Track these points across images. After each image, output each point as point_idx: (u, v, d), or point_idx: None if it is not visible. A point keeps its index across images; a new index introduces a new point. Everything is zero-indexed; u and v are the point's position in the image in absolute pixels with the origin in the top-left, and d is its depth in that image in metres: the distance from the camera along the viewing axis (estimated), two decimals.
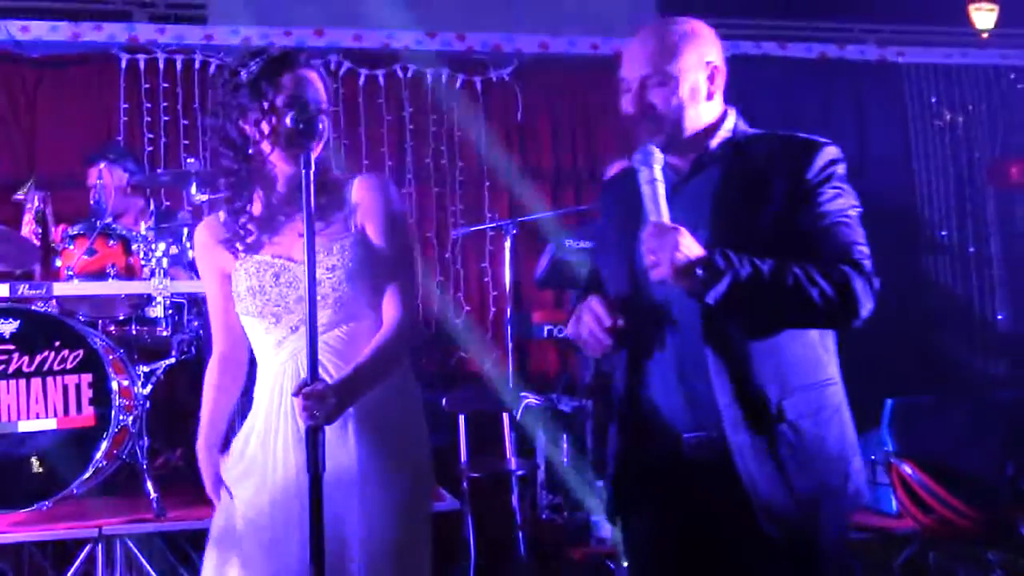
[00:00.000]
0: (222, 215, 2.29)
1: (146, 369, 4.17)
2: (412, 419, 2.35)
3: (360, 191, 2.28)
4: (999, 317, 6.29)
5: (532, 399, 4.62)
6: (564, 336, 4.40)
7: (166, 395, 4.69)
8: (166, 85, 5.60)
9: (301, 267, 2.17)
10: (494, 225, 5.21)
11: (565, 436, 4.69)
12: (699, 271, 1.88)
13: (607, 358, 2.13)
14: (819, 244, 1.96)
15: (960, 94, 6.40)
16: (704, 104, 2.05)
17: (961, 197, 6.38)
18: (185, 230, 4.28)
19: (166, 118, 5.58)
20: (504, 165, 5.92)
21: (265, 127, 2.17)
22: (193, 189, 4.20)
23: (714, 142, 2.07)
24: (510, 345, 4.65)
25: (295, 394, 2.03)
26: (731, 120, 2.10)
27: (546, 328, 4.36)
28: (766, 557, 1.98)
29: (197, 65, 5.63)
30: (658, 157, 1.97)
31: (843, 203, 1.99)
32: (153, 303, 4.21)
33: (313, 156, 2.10)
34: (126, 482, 4.09)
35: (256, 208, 2.26)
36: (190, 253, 4.29)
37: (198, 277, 4.27)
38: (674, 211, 1.96)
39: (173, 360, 4.27)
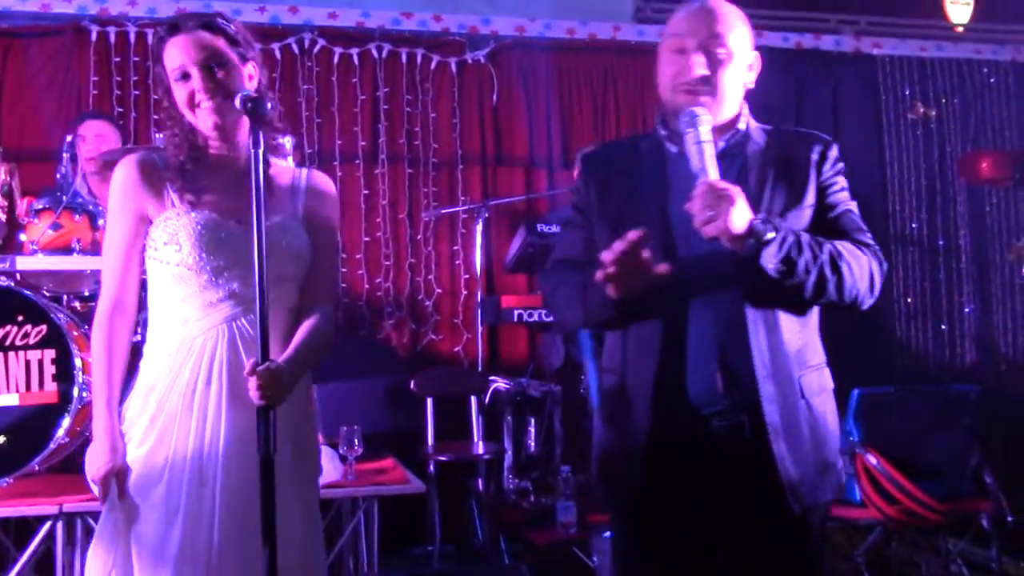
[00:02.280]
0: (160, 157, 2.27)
1: None
2: (309, 406, 2.36)
3: (316, 183, 2.36)
4: (967, 310, 6.33)
5: (501, 383, 4.62)
6: (536, 320, 4.43)
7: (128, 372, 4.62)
8: (137, 59, 5.52)
9: (251, 233, 2.17)
10: (467, 208, 5.19)
11: (533, 421, 4.70)
12: (760, 226, 1.91)
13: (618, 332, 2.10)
14: (833, 232, 2.06)
15: (934, 87, 6.42)
16: (740, 91, 2.12)
17: (932, 190, 6.40)
18: None
19: (136, 92, 5.50)
20: (478, 148, 5.89)
21: (186, 107, 2.20)
22: None
23: (741, 125, 2.13)
24: (480, 329, 4.64)
25: (249, 373, 2.01)
26: (746, 111, 2.17)
27: (516, 312, 4.34)
28: (782, 533, 2.06)
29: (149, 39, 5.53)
30: (705, 119, 1.99)
31: (847, 195, 2.13)
32: None
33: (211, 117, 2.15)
34: None
35: (201, 166, 2.25)
36: None
37: None
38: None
39: (139, 337, 4.21)
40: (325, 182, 2.40)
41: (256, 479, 2.01)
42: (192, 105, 2.18)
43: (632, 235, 1.88)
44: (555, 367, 4.72)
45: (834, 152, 2.14)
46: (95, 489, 2.18)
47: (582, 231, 2.23)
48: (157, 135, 4.39)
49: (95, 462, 2.17)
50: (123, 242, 2.24)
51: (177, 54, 2.17)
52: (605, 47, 6.12)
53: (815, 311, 2.13)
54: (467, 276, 5.72)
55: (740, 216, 1.89)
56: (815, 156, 2.12)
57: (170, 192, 2.22)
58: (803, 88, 6.33)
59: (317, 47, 5.71)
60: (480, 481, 4.29)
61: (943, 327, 6.35)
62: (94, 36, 5.47)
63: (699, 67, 2.05)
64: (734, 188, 1.91)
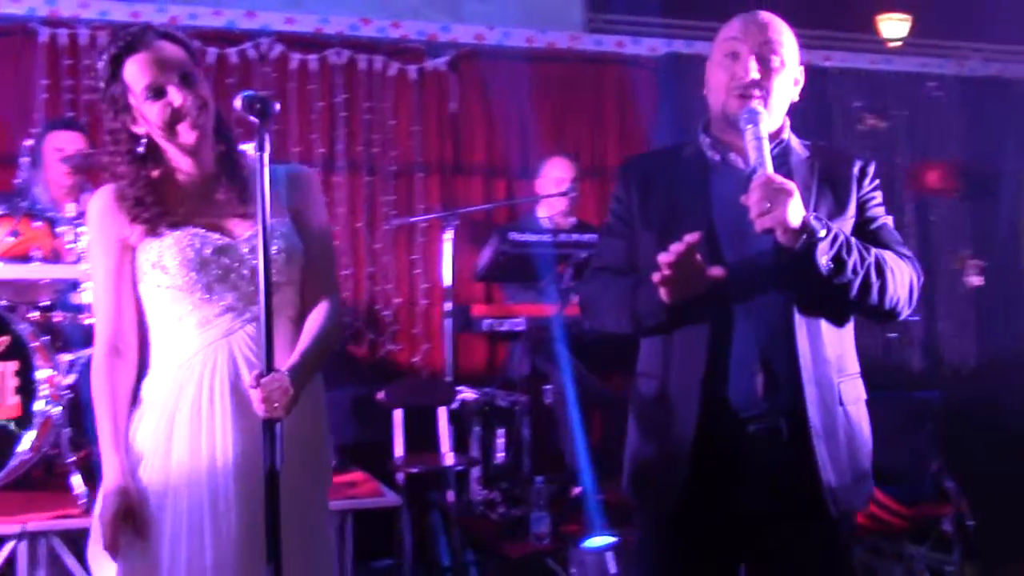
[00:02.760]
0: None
1: (69, 357, 3.98)
2: (321, 415, 2.28)
3: (295, 179, 2.26)
4: (914, 319, 6.45)
5: (467, 393, 4.58)
6: (506, 330, 4.41)
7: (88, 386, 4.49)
8: (88, 62, 5.36)
9: (242, 244, 2.14)
10: (436, 216, 5.14)
11: (501, 431, 4.67)
12: (814, 221, 1.95)
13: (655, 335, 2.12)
14: (873, 243, 2.10)
15: (882, 100, 6.55)
16: (786, 102, 2.17)
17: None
18: None
19: (87, 96, 5.35)
20: (437, 156, 5.85)
21: (141, 123, 2.08)
22: None
23: (785, 135, 2.18)
24: (448, 339, 4.59)
25: (253, 385, 1.95)
26: (788, 124, 2.21)
27: (486, 322, 4.30)
28: (819, 537, 2.10)
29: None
30: (764, 117, 2.03)
31: (883, 209, 2.20)
32: (78, 289, 4.03)
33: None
34: (49, 477, 3.92)
35: (168, 187, 2.15)
36: None
37: None
38: (738, 204, 2.00)
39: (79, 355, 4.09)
40: (305, 175, 2.31)
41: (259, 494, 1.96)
42: (173, 121, 2.07)
43: (689, 237, 1.91)
44: (521, 376, 4.69)
45: (872, 168, 2.21)
46: (97, 531, 2.08)
47: (623, 239, 2.25)
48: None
49: (105, 506, 2.06)
50: (110, 274, 2.14)
51: (144, 71, 2.05)
52: (563, 56, 6.13)
53: (851, 323, 2.17)
54: (427, 285, 5.68)
55: (796, 210, 1.92)
56: (856, 171, 2.18)
57: (145, 223, 2.12)
58: None
59: (274, 52, 5.62)
60: (451, 493, 4.23)
61: (891, 335, 6.46)
62: (44, 38, 5.31)
63: (753, 71, 2.09)
64: (791, 183, 1.95)
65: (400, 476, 4.18)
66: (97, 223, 2.15)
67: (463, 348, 5.24)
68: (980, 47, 7.23)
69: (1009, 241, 6.53)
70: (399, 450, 4.26)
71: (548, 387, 4.59)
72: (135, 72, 2.05)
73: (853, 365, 2.17)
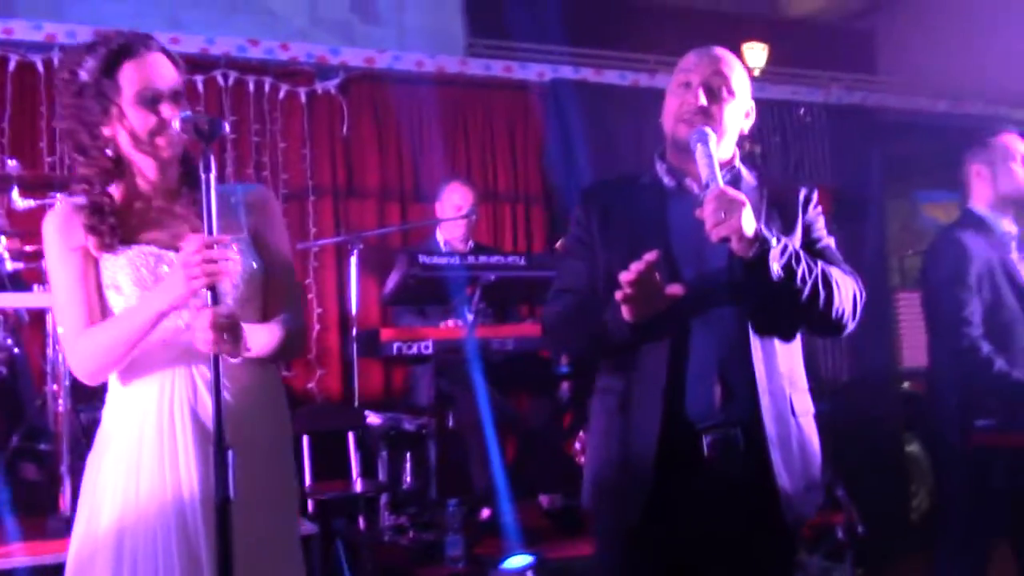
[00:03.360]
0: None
1: None
2: (287, 439, 2.29)
3: (254, 197, 2.25)
4: None
5: (373, 417, 4.53)
6: (415, 353, 4.38)
7: None
8: None
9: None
10: (339, 240, 5.08)
11: (408, 455, 4.63)
12: (766, 231, 2.04)
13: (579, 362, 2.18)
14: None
15: (758, 125, 6.79)
16: (736, 132, 2.28)
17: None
18: (3, 238, 3.92)
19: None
20: (329, 180, 5.79)
21: (118, 128, 2.05)
22: (15, 194, 3.84)
23: (736, 163, 2.29)
24: (355, 362, 4.54)
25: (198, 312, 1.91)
26: (738, 154, 2.33)
27: (396, 345, 4.27)
28: (772, 543, 2.19)
29: None
30: (713, 137, 2.12)
31: (826, 232, 2.32)
32: None
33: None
34: None
35: (127, 199, 2.11)
36: (8, 264, 3.95)
37: (13, 290, 3.98)
38: (696, 221, 2.07)
39: None
40: (264, 194, 2.31)
41: (240, 520, 1.90)
42: (156, 133, 2.05)
43: (648, 256, 1.98)
44: (427, 401, 4.67)
45: (815, 196, 2.36)
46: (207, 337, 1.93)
47: (584, 262, 2.32)
48: (9, 161, 4.11)
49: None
50: (75, 278, 2.07)
51: (142, 76, 2.03)
52: (453, 80, 6.16)
53: (799, 340, 2.27)
54: (320, 310, 5.60)
55: (749, 220, 2.02)
56: (801, 197, 2.31)
57: (99, 235, 2.07)
58: (640, 124, 6.55)
59: None
60: (361, 519, 4.17)
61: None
62: None
63: (702, 98, 2.21)
64: (742, 195, 2.04)
65: (310, 503, 4.09)
66: (56, 234, 2.09)
67: (374, 372, 5.20)
68: (839, 76, 7.65)
69: (876, 262, 6.86)
70: (307, 477, 4.18)
71: (449, 411, 4.60)
72: (132, 75, 2.03)
73: (802, 380, 2.27)
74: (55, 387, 3.86)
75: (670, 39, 7.26)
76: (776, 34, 9.95)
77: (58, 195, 3.77)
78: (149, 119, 2.04)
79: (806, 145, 6.98)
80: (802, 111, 6.99)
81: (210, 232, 1.93)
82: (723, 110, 2.22)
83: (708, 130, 2.15)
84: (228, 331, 1.91)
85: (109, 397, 2.13)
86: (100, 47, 2.05)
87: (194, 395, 2.07)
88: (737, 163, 2.31)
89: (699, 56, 2.27)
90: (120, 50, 2.04)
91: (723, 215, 1.99)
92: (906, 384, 6.70)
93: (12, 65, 5.20)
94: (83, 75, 2.04)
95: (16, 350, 4.08)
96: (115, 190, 2.11)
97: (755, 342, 2.14)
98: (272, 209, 2.28)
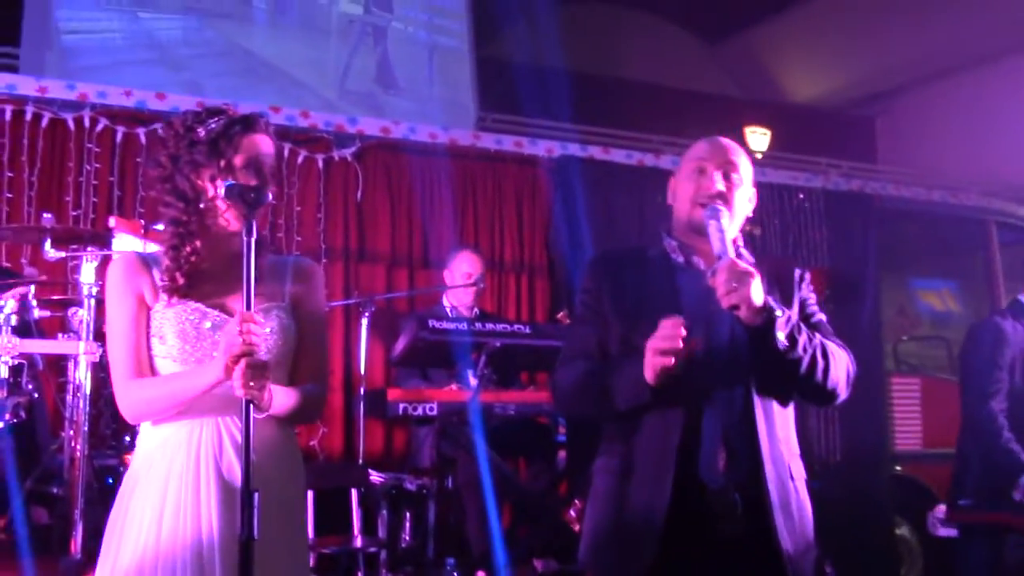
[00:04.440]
0: (161, 257, 2.26)
1: None
2: (301, 498, 2.42)
3: (301, 269, 2.41)
4: None
5: (375, 476, 4.65)
6: (420, 414, 4.51)
7: None
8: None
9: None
10: (352, 302, 5.25)
11: (407, 514, 4.73)
12: (773, 302, 2.18)
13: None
14: None
15: (759, 208, 6.98)
16: (742, 216, 2.45)
17: None
18: (33, 287, 4.08)
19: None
20: (342, 243, 5.97)
21: (220, 185, 2.21)
22: (48, 245, 4.01)
23: (739, 242, 2.43)
24: (361, 422, 4.67)
25: (234, 361, 2.04)
26: (740, 238, 2.47)
27: (401, 406, 4.40)
28: None
29: (28, 116, 5.39)
30: (725, 213, 2.30)
31: (818, 308, 2.48)
32: None
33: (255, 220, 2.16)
34: None
35: (197, 258, 2.25)
36: (36, 312, 4.10)
37: (38, 337, 4.13)
38: (705, 294, 2.23)
39: (1, 424, 4.02)
40: (311, 267, 2.45)
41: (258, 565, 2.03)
42: (256, 201, 2.19)
43: (678, 320, 2.14)
44: (428, 462, 4.79)
45: (808, 275, 2.55)
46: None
47: (593, 327, 2.44)
48: (44, 215, 4.28)
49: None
50: (129, 322, 2.24)
51: (259, 147, 2.27)
52: (464, 153, 6.38)
53: (793, 408, 2.41)
54: None
55: (758, 290, 2.17)
56: (797, 275, 2.50)
57: (157, 287, 2.25)
58: (643, 202, 6.76)
59: None
60: (361, 575, 4.27)
61: None
62: None
63: (719, 183, 2.40)
64: (752, 267, 2.20)
65: (311, 557, 4.18)
66: (117, 281, 2.26)
67: (381, 432, 5.31)
68: (837, 163, 7.89)
69: (871, 345, 7.00)
70: (310, 531, 4.27)
71: (447, 473, 4.71)
72: (252, 145, 2.25)
73: (796, 447, 2.40)
74: (71, 432, 3.98)
75: (675, 121, 7.54)
76: (778, 119, 10.28)
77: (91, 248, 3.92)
78: (251, 182, 2.23)
79: (804, 228, 7.17)
80: (801, 196, 7.19)
81: (248, 297, 2.08)
82: (734, 195, 2.40)
83: (720, 206, 2.33)
84: (257, 378, 2.06)
85: (140, 438, 2.28)
86: (224, 114, 2.26)
87: (219, 446, 2.20)
88: (740, 242, 2.46)
89: (712, 145, 2.46)
90: (246, 121, 2.27)
91: (735, 284, 2.14)
92: (898, 468, 6.81)
93: (45, 122, 5.40)
94: (201, 132, 2.23)
95: (36, 395, 4.21)
96: (200, 240, 2.25)
97: (758, 410, 2.28)
98: (316, 283, 2.42)
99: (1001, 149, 8.90)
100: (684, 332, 2.14)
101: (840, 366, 2.33)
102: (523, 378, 5.43)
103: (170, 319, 2.22)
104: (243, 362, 2.05)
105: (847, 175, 7.80)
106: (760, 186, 7.17)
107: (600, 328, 2.43)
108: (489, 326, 4.49)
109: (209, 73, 6.24)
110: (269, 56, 6.46)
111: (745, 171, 2.45)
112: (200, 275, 2.26)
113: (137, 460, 2.27)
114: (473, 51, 7.41)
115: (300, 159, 5.94)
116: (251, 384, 2.04)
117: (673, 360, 2.13)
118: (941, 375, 7.56)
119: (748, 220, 2.56)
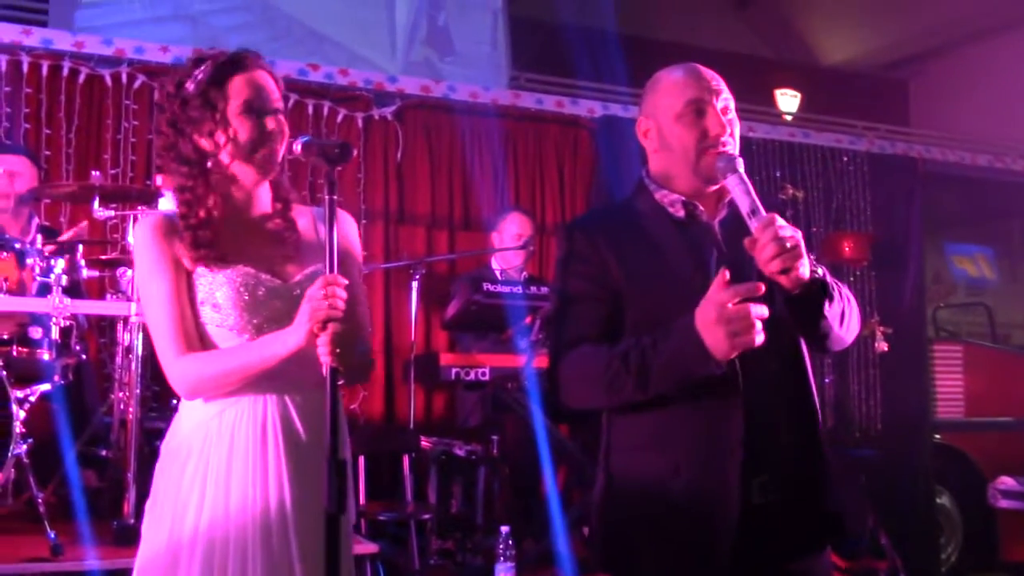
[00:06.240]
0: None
1: (20, 394, 3.82)
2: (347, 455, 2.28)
3: (337, 226, 2.15)
4: (827, 380, 6.75)
5: (425, 442, 4.58)
6: (473, 379, 4.43)
7: (40, 424, 4.30)
8: (29, 90, 5.21)
9: (295, 287, 2.12)
10: (403, 264, 5.15)
11: (457, 480, 4.67)
12: (818, 266, 1.90)
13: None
14: None
15: (801, 172, 6.89)
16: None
17: None
18: (81, 247, 3.98)
19: (27, 125, 5.18)
20: (382, 204, 5.87)
21: (221, 138, 2.07)
22: (96, 204, 3.92)
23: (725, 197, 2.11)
24: (412, 386, 4.59)
25: (320, 327, 1.90)
26: None
27: (454, 371, 4.32)
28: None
29: (65, 72, 5.28)
30: (741, 162, 1.98)
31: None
32: (38, 324, 3.87)
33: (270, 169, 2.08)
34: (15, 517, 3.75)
35: (223, 214, 2.12)
36: (84, 272, 4.02)
37: (85, 298, 4.04)
38: (732, 252, 2.00)
39: (50, 387, 3.94)
40: (345, 223, 2.26)
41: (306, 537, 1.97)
42: (258, 144, 2.08)
43: (749, 285, 1.80)
44: (477, 426, 4.72)
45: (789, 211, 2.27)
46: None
47: (600, 303, 2.06)
48: (94, 172, 4.18)
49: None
50: (170, 291, 2.08)
51: (251, 87, 2.07)
52: (505, 112, 6.25)
53: None
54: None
55: (806, 265, 1.87)
56: (789, 214, 2.25)
57: (197, 248, 2.10)
58: None
59: None
60: (414, 541, 4.20)
61: None
62: None
63: (726, 125, 2.07)
64: (798, 235, 1.88)
65: (363, 524, 4.13)
66: (149, 245, 2.10)
67: (394, 396, 5.22)
68: (874, 125, 7.75)
69: (914, 312, 6.89)
70: (362, 497, 4.21)
71: (495, 438, 4.63)
72: (240, 86, 2.07)
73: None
74: (123, 395, 3.91)
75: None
76: (809, 81, 10.12)
77: (139, 207, 3.83)
78: (253, 129, 2.07)
79: (848, 192, 7.04)
80: (845, 159, 7.06)
81: (332, 262, 1.95)
82: (736, 134, 2.09)
83: (735, 154, 2.01)
84: (344, 344, 1.95)
85: (185, 410, 2.14)
86: (209, 60, 2.09)
87: (287, 420, 2.09)
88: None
89: (697, 77, 2.10)
90: (230, 62, 2.08)
91: (785, 247, 1.81)
92: (937, 436, 6.72)
93: (82, 78, 5.29)
94: (190, 86, 2.08)
95: (83, 356, 4.13)
96: (212, 203, 2.11)
97: (805, 373, 2.06)
98: (352, 233, 2.27)
99: None
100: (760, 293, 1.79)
101: (856, 314, 2.08)
102: None
103: (222, 284, 2.08)
104: (330, 327, 1.93)
105: (884, 138, 7.65)
106: (802, 148, 7.08)
107: (609, 305, 2.05)
108: (544, 289, 4.39)
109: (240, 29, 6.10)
110: (315, 23, 6.30)
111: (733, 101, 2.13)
112: (233, 237, 2.12)
113: (183, 433, 2.12)
114: (507, 9, 7.25)
115: (340, 118, 5.82)
116: (339, 351, 1.94)
117: (756, 334, 1.79)
118: (982, 342, 7.47)
119: (791, 183, 2.29)
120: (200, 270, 2.09)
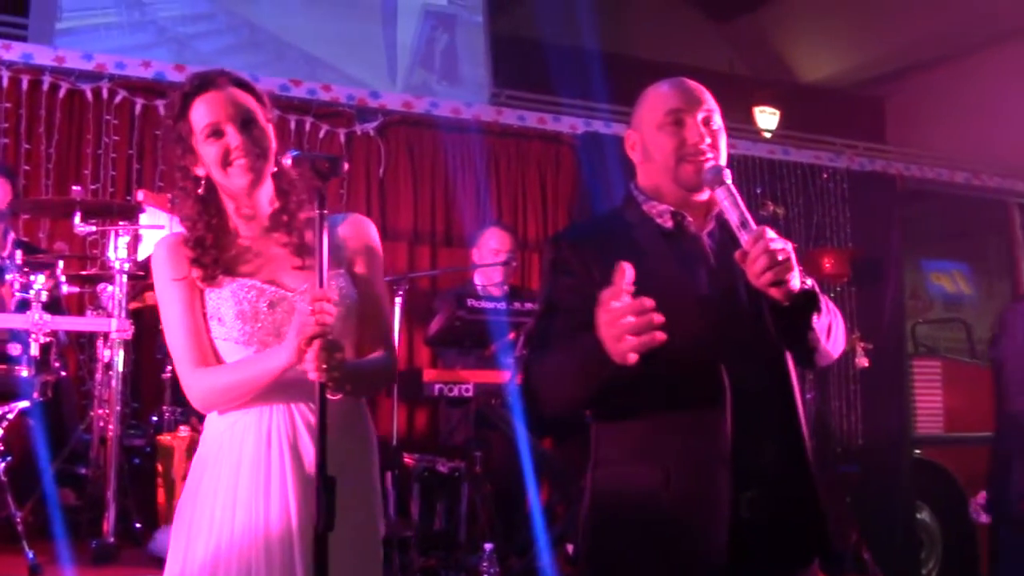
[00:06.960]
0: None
1: None
2: (377, 474, 2.27)
3: (353, 229, 2.24)
4: (808, 397, 6.76)
5: (408, 458, 4.55)
6: (456, 396, 4.41)
7: (18, 442, 4.25)
8: (8, 105, 5.17)
9: (297, 297, 2.11)
10: (386, 280, 5.11)
11: (440, 497, 4.63)
12: (809, 280, 1.89)
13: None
14: None
15: (781, 188, 6.93)
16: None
17: None
18: (61, 263, 3.94)
19: (6, 140, 5.15)
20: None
21: (199, 167, 2.11)
22: (77, 219, 3.88)
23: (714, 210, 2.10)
24: (395, 403, 4.56)
25: (307, 343, 1.89)
26: None
27: (437, 387, 4.30)
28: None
29: (45, 87, 5.24)
30: (729, 173, 1.96)
31: None
32: (17, 340, 3.83)
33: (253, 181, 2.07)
34: None
35: (226, 234, 2.15)
36: (64, 287, 3.98)
37: (65, 314, 4.00)
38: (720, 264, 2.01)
39: (29, 404, 3.90)
40: (361, 226, 2.26)
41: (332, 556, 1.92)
42: (225, 163, 2.08)
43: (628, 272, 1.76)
44: (456, 442, 4.70)
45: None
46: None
47: (577, 316, 1.94)
48: (74, 188, 4.15)
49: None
50: (184, 308, 2.11)
51: (209, 110, 2.08)
52: (488, 129, 6.25)
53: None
54: None
55: (797, 277, 1.87)
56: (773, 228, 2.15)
57: (202, 268, 2.13)
58: None
59: None
60: (396, 558, 4.16)
61: None
62: None
63: (706, 135, 2.06)
64: (788, 247, 1.87)
65: None
66: (164, 265, 2.14)
67: (415, 413, 5.20)
68: (853, 144, 7.80)
69: (894, 327, 6.93)
70: None
71: (478, 454, 4.61)
72: (201, 111, 2.08)
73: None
74: (103, 412, 3.86)
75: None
76: (787, 99, 10.18)
77: (120, 222, 3.80)
78: (217, 151, 2.07)
79: (828, 209, 7.08)
80: (825, 176, 7.10)
81: (321, 275, 1.94)
82: (720, 145, 2.08)
83: (723, 166, 1.99)
84: (331, 360, 1.93)
85: (207, 423, 2.16)
86: (180, 89, 2.12)
87: (294, 431, 2.08)
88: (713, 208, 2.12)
89: (680, 89, 2.11)
90: (191, 91, 2.10)
91: (777, 279, 1.81)
92: (918, 451, 6.74)
93: (62, 92, 5.26)
94: (169, 120, 2.13)
95: (63, 373, 4.09)
96: (207, 224, 2.14)
97: (791, 387, 2.04)
98: (374, 241, 2.26)
99: (1012, 132, 8.83)
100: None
101: (842, 328, 2.08)
102: None
103: (226, 299, 2.10)
104: (316, 344, 1.92)
105: (863, 155, 7.71)
106: (782, 165, 7.12)
107: (590, 316, 1.87)
108: (527, 305, 4.38)
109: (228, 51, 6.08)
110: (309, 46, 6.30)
111: (718, 115, 2.12)
112: (241, 252, 2.14)
113: (204, 446, 2.16)
114: (487, 26, 7.26)
115: (322, 133, 5.82)
116: (325, 366, 1.93)
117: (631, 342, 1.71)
118: (961, 358, 7.51)
119: (771, 200, 2.30)
120: (209, 288, 2.12)
